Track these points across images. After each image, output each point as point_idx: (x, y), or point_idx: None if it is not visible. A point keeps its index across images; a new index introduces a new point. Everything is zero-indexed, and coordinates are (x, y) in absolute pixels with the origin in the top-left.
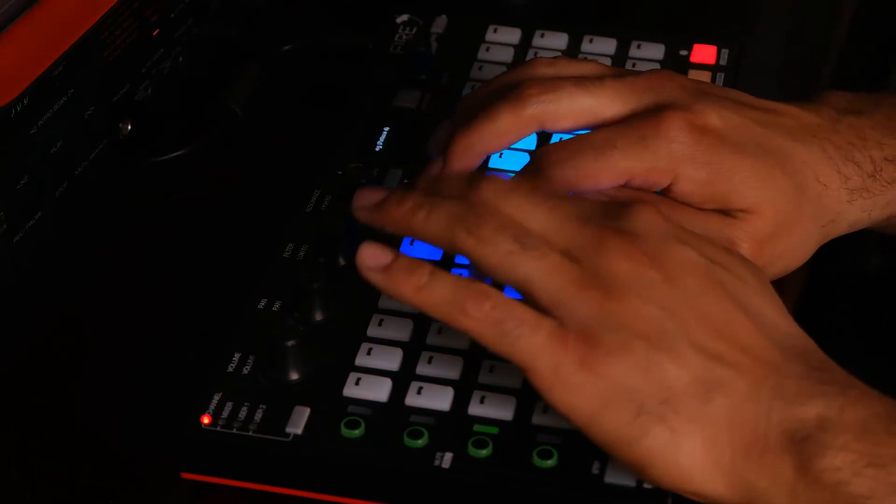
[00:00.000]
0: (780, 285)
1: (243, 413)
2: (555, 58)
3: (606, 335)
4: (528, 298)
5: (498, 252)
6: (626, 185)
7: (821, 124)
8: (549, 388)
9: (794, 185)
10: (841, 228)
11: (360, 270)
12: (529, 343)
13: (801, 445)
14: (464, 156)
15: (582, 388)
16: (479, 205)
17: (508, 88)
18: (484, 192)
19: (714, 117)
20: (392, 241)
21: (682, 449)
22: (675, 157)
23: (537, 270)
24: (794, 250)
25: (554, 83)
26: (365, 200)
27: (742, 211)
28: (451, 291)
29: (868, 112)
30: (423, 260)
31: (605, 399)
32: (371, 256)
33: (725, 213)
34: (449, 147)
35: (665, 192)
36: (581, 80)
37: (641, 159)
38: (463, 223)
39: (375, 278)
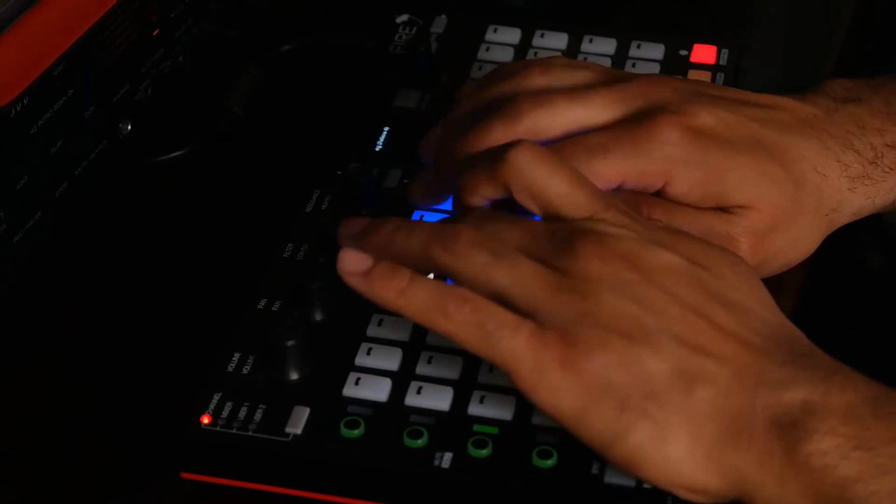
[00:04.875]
0: (780, 284)
1: (243, 413)
2: (549, 61)
3: (585, 333)
4: (508, 307)
5: (474, 265)
6: (619, 188)
7: (818, 115)
8: (533, 389)
9: (791, 179)
10: (845, 217)
11: (341, 276)
12: (511, 345)
13: (788, 431)
14: (455, 172)
15: (565, 388)
16: (457, 224)
17: (502, 99)
18: (464, 220)
19: (707, 117)
20: None
21: (669, 442)
22: (668, 159)
23: (512, 278)
24: (796, 243)
25: (546, 98)
26: (349, 230)
27: (739, 207)
28: (432, 295)
29: (866, 99)
30: (402, 266)
31: (589, 397)
32: (351, 262)
33: (723, 210)
34: (440, 161)
35: (661, 193)
36: (573, 92)
37: (634, 163)
38: (439, 241)
39: (356, 283)
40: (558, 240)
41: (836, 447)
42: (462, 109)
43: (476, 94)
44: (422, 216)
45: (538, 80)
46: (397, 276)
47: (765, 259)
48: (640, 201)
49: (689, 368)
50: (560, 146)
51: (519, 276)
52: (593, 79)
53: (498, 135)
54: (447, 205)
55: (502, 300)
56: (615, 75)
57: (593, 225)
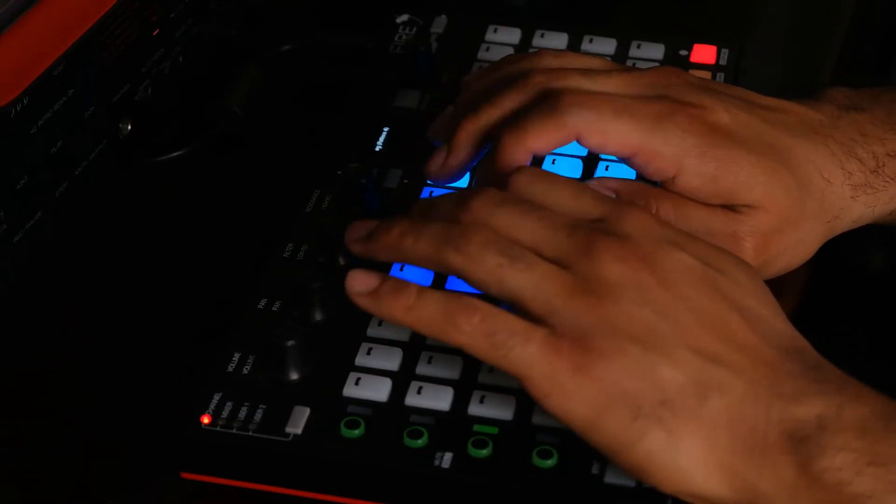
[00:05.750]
0: (782, 285)
1: (243, 413)
2: (562, 50)
3: (600, 339)
4: (521, 310)
5: (486, 267)
6: (628, 162)
7: (823, 121)
8: (545, 395)
9: (798, 182)
10: (845, 224)
11: (350, 297)
12: (523, 353)
13: (802, 445)
14: (469, 144)
15: (578, 394)
16: (466, 222)
17: (514, 77)
18: (473, 208)
19: (722, 114)
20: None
21: (680, 450)
22: (683, 147)
23: (527, 281)
24: (798, 246)
25: (561, 73)
26: (356, 234)
27: (747, 206)
28: (441, 308)
29: (868, 108)
30: (409, 281)
31: (602, 403)
32: (359, 282)
33: (730, 208)
34: (454, 135)
35: (670, 186)
36: (588, 72)
37: (652, 138)
38: (450, 242)
39: (365, 303)
40: (575, 238)
41: (850, 463)
42: (472, 90)
43: (486, 75)
44: (431, 192)
45: (551, 61)
46: (404, 292)
47: (766, 261)
48: (648, 193)
49: (703, 378)
50: (590, 96)
51: (533, 279)
52: (608, 66)
53: (511, 106)
54: (460, 183)
55: (516, 303)
56: (628, 67)
57: (612, 226)
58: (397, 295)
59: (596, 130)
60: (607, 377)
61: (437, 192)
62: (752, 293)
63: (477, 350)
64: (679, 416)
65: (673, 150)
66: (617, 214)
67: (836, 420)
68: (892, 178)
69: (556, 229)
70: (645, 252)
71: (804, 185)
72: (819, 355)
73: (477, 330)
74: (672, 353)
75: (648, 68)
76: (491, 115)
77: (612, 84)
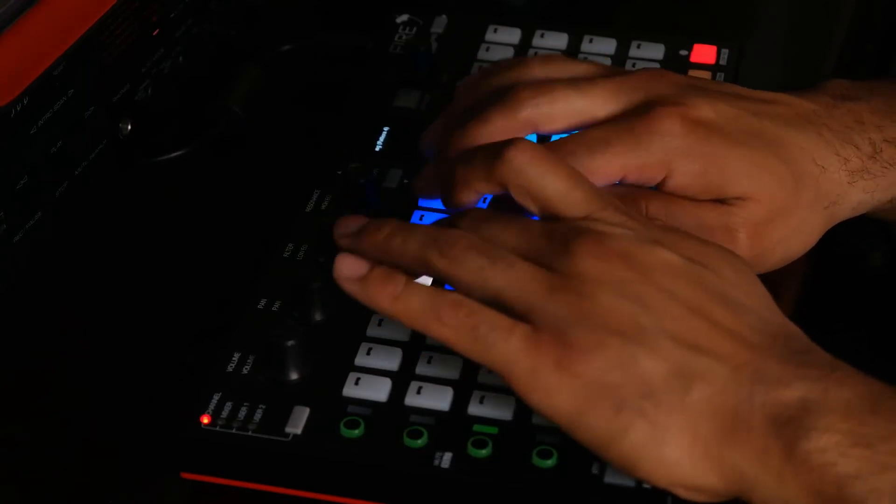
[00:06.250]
0: (781, 281)
1: (243, 413)
2: (548, 56)
3: (580, 334)
4: (504, 310)
5: (469, 269)
6: (621, 182)
7: (817, 110)
8: (529, 391)
9: (789, 171)
10: (845, 212)
11: (337, 281)
12: (505, 348)
13: (786, 428)
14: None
15: (561, 389)
16: (453, 228)
17: (502, 90)
18: (460, 222)
19: (706, 110)
20: None
21: (666, 441)
22: (668, 151)
23: (507, 280)
24: (796, 235)
25: (547, 86)
26: (345, 229)
27: (737, 198)
28: (427, 300)
29: (865, 98)
30: (398, 271)
31: (585, 398)
32: (347, 267)
33: (721, 201)
34: (441, 152)
35: (661, 186)
36: (573, 82)
37: (635, 156)
38: (435, 245)
39: (352, 288)
40: (554, 240)
41: (836, 444)
42: (462, 102)
43: (476, 87)
44: (422, 216)
45: (538, 71)
46: (392, 281)
47: (763, 251)
48: (637, 195)
49: (685, 367)
50: (560, 142)
51: (514, 278)
52: (593, 72)
53: (498, 125)
54: None
55: (499, 303)
56: (614, 70)
57: (590, 224)
58: (385, 283)
59: (583, 171)
60: (588, 372)
61: (428, 215)
62: (737, 285)
63: (459, 344)
64: (662, 408)
65: (658, 156)
66: (600, 212)
67: (821, 402)
68: (890, 164)
69: (535, 236)
70: (624, 249)
71: (797, 173)
72: (810, 341)
73: (461, 324)
74: (652, 343)
75: (633, 72)
76: (478, 132)
77: (598, 93)
